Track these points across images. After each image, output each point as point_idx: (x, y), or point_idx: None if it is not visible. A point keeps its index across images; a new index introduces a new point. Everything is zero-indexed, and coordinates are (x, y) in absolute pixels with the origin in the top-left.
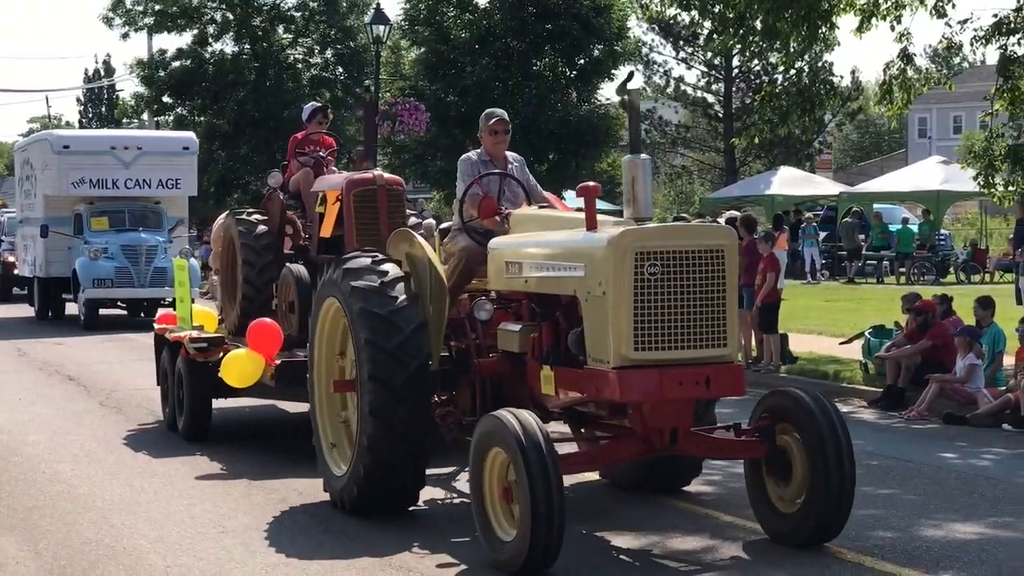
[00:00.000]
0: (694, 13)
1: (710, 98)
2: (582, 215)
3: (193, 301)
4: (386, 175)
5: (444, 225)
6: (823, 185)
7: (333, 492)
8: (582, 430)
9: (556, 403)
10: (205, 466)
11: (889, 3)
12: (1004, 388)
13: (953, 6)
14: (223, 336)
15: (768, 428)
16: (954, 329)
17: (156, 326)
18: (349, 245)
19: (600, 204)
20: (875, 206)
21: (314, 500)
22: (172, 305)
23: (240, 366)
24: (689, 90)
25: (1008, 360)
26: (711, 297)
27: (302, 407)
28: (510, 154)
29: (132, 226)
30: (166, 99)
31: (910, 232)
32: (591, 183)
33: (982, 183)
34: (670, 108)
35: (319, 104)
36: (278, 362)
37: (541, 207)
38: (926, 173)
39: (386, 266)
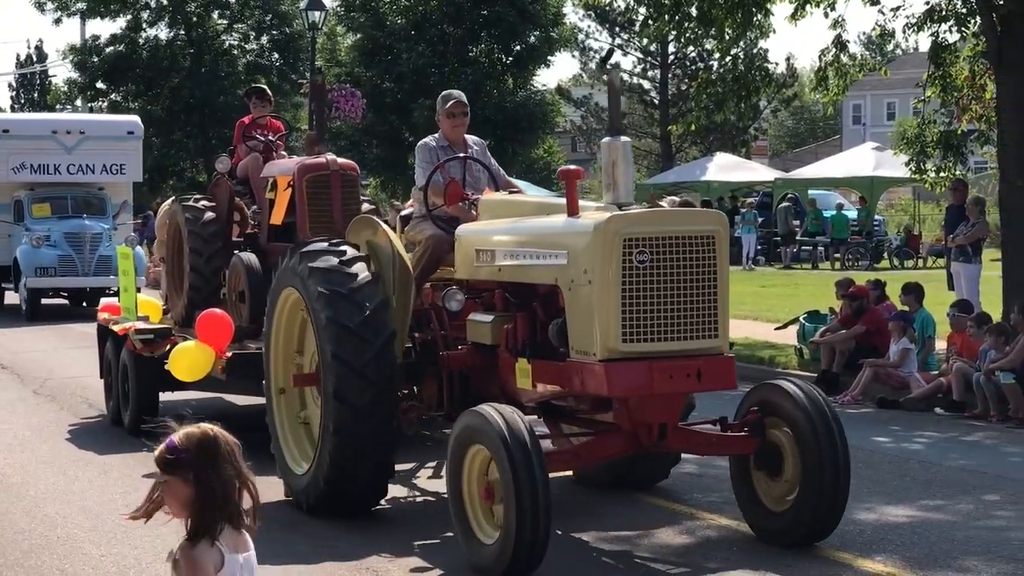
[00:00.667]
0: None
1: (646, 84)
2: (556, 200)
3: (139, 290)
4: (340, 160)
5: (404, 212)
6: (759, 171)
7: (296, 493)
8: (560, 426)
9: (532, 397)
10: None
11: None
12: (936, 372)
13: None
14: (170, 327)
15: (758, 422)
16: (887, 314)
17: (99, 316)
18: (302, 232)
19: (536, 190)
20: (810, 192)
21: (272, 499)
22: (116, 294)
23: (189, 359)
24: (625, 76)
25: (940, 344)
26: (702, 286)
27: (252, 400)
28: (470, 137)
29: (75, 213)
30: (100, 85)
31: (845, 218)
32: (572, 166)
33: (914, 169)
34: (605, 94)
35: (256, 86)
36: (229, 354)
37: (511, 192)
38: (860, 159)
39: (343, 247)
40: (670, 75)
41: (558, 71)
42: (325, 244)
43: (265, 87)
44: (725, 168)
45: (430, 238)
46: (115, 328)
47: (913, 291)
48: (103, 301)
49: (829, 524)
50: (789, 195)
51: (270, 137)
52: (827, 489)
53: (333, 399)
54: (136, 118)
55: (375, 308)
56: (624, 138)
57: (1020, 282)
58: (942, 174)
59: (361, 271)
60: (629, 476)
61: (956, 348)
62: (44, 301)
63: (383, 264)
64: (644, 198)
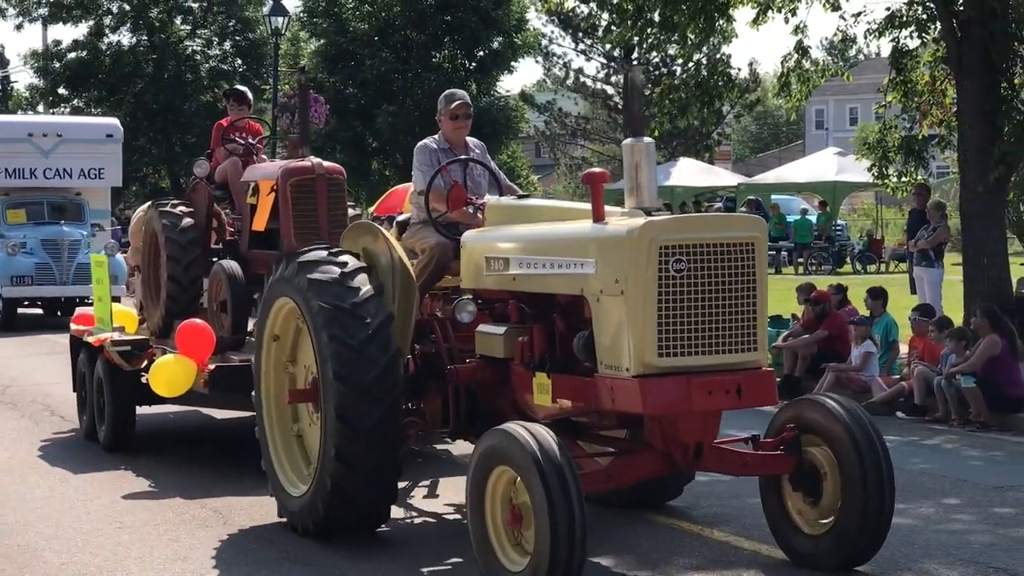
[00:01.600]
0: (592, 5)
1: (610, 90)
2: (572, 205)
3: (117, 300)
4: (325, 163)
5: (400, 219)
6: (722, 176)
7: (291, 516)
8: (578, 444)
9: (549, 414)
10: (122, 476)
11: None
12: (898, 376)
13: None
14: (148, 339)
15: (794, 440)
16: (849, 319)
17: (72, 327)
18: (286, 239)
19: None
20: (773, 197)
21: (263, 521)
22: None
23: (170, 373)
24: (589, 82)
25: (903, 348)
26: (741, 296)
27: (231, 413)
28: (471, 140)
29: (52, 219)
30: (62, 91)
31: (807, 223)
32: (597, 169)
33: (876, 174)
34: (570, 100)
35: (234, 88)
36: (211, 367)
37: (520, 196)
38: (823, 164)
39: (344, 257)
40: None
41: (522, 77)
42: (324, 253)
43: (244, 89)
44: (689, 173)
45: (435, 247)
46: (90, 339)
47: (879, 296)
48: (78, 311)
49: (872, 547)
50: (749, 199)
51: (250, 140)
52: (871, 510)
53: (336, 421)
54: (115, 120)
55: (379, 324)
56: (647, 139)
57: (981, 286)
58: (904, 179)
59: (363, 284)
60: (639, 494)
61: (918, 352)
62: (19, 311)
63: (383, 274)
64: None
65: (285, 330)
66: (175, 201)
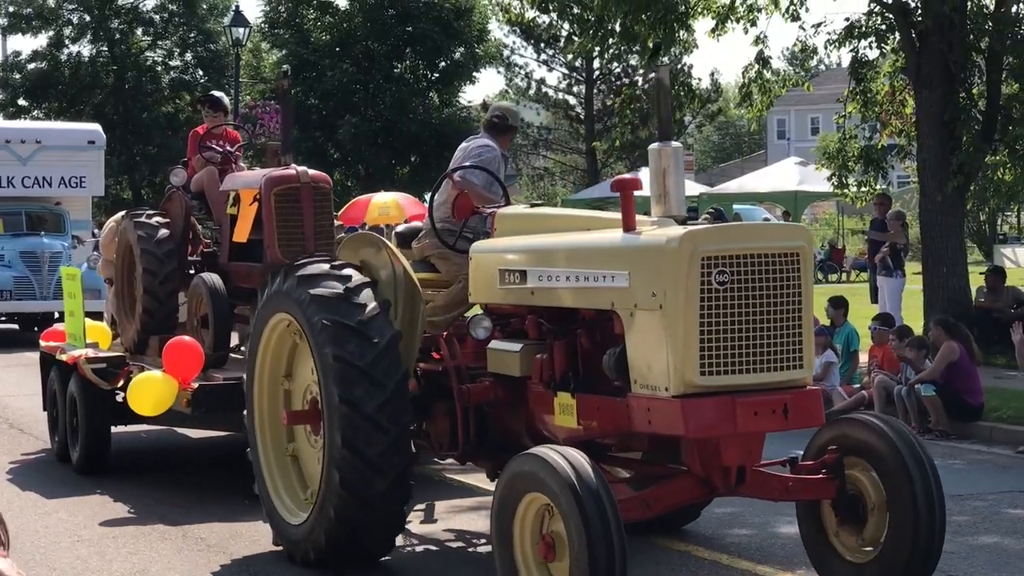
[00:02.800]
0: (554, 16)
1: (571, 100)
2: (592, 214)
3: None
4: (311, 171)
5: (400, 228)
6: (685, 186)
7: (290, 545)
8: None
9: (573, 436)
10: (87, 492)
11: (743, 6)
12: (858, 385)
13: (807, 10)
14: (124, 356)
15: (837, 463)
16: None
17: (42, 343)
18: (270, 250)
19: None
20: (735, 207)
21: (257, 551)
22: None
23: (151, 391)
24: (551, 92)
25: (863, 358)
26: (786, 309)
27: (206, 433)
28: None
29: (30, 230)
30: (21, 102)
31: None
32: (627, 176)
33: (837, 184)
34: (532, 110)
35: (209, 94)
36: (195, 386)
37: (533, 205)
38: (784, 174)
39: (347, 271)
40: (595, 91)
41: (483, 87)
42: (326, 267)
43: (220, 95)
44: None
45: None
46: (63, 357)
47: (840, 305)
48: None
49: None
50: (710, 209)
51: (228, 148)
52: (921, 538)
53: (341, 448)
54: (97, 126)
55: (387, 343)
56: (675, 143)
57: (940, 295)
58: (863, 188)
59: (369, 300)
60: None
61: (878, 361)
62: None
63: (385, 288)
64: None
65: (280, 345)
66: (150, 211)
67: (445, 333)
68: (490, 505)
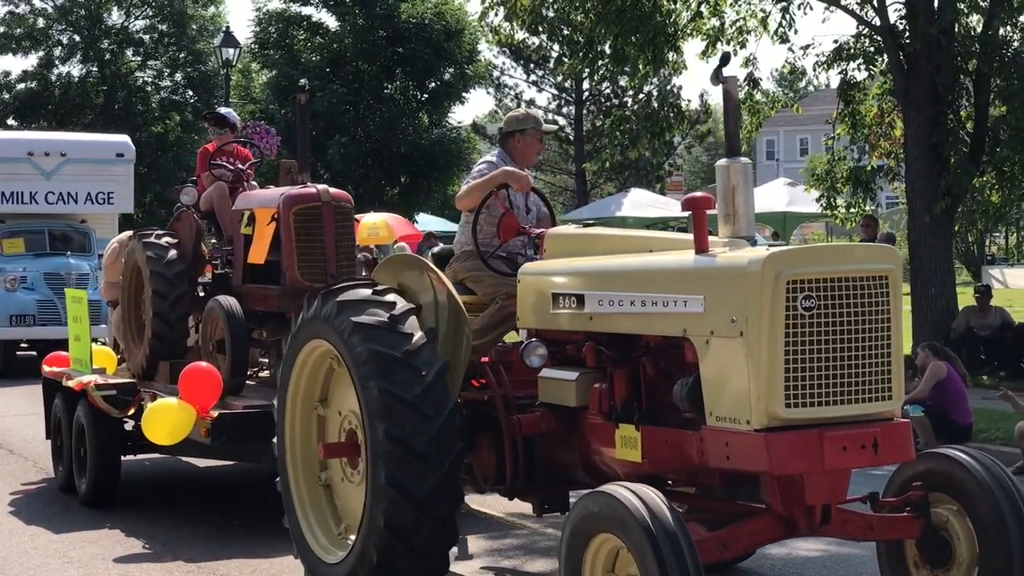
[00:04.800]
0: (544, 37)
1: (561, 121)
2: (651, 234)
3: (97, 340)
4: (332, 190)
5: (436, 250)
6: (673, 207)
7: None
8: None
9: (633, 471)
10: (94, 526)
11: (733, 28)
12: None
13: (796, 32)
14: (135, 382)
15: (922, 501)
16: None
17: (45, 369)
18: (289, 272)
19: (449, 226)
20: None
21: None
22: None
23: (170, 420)
24: (540, 113)
25: None
26: (875, 336)
27: (211, 461)
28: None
29: (54, 249)
30: (11, 122)
31: None
32: (699, 194)
33: (825, 205)
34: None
35: (215, 111)
36: (215, 414)
37: (586, 225)
38: (773, 195)
39: (391, 297)
40: (584, 112)
41: (473, 108)
42: (368, 292)
43: (227, 111)
44: (640, 204)
45: (509, 298)
46: (70, 383)
47: None
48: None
49: None
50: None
51: (239, 165)
52: None
53: (387, 487)
54: (126, 138)
55: (435, 375)
56: (744, 159)
57: (929, 316)
58: (852, 210)
59: (415, 328)
60: None
61: None
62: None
63: (428, 315)
64: None
65: (316, 371)
66: (159, 231)
67: (486, 359)
68: (529, 542)
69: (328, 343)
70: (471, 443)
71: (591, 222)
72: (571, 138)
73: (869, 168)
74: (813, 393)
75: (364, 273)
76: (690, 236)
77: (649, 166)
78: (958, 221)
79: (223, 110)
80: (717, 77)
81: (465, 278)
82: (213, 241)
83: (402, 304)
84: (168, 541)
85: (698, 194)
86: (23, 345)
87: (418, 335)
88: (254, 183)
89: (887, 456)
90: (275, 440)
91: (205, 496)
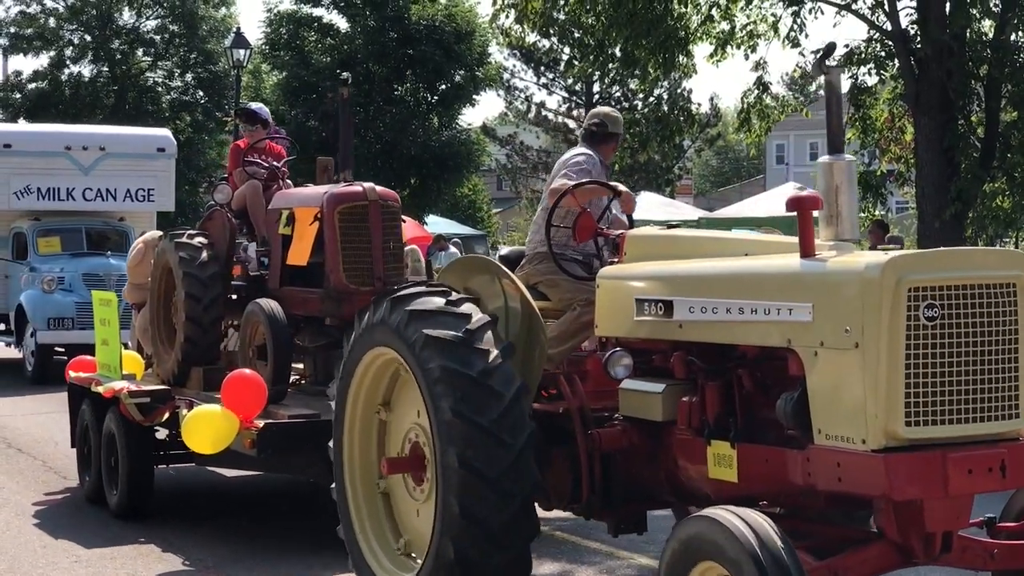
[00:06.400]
0: (554, 39)
1: (571, 124)
2: (749, 236)
3: (126, 345)
4: (378, 188)
5: (505, 250)
6: (683, 210)
7: None
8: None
9: (727, 492)
10: (127, 539)
11: (743, 32)
12: None
13: (806, 36)
14: (169, 389)
15: None
16: None
17: (71, 374)
18: (333, 275)
19: (458, 228)
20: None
21: None
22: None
23: (214, 428)
24: (550, 115)
25: None
26: (1001, 349)
27: (239, 472)
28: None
29: (91, 249)
30: (22, 122)
31: None
32: (806, 193)
33: None
34: (531, 133)
35: (245, 107)
36: (260, 424)
37: (670, 226)
38: (783, 199)
39: (466, 307)
40: None
41: (483, 110)
42: (441, 301)
43: (257, 107)
44: (650, 207)
45: (587, 304)
46: (99, 389)
47: None
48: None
49: None
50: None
51: (274, 163)
52: None
53: (460, 519)
54: (167, 132)
55: (514, 397)
56: (848, 156)
57: None
58: (862, 214)
59: (492, 345)
60: None
61: None
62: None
63: (501, 326)
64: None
65: (379, 377)
66: (192, 231)
67: (559, 368)
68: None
69: (395, 353)
70: (546, 460)
71: (675, 223)
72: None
73: (879, 173)
74: (935, 410)
75: None
76: (788, 239)
77: (659, 169)
78: (968, 227)
79: (254, 105)
80: (820, 67)
81: (539, 282)
82: (238, 241)
83: (478, 317)
84: (206, 558)
85: (804, 193)
86: (57, 349)
87: (495, 352)
88: (289, 181)
89: (1016, 480)
90: (330, 444)
91: (238, 507)
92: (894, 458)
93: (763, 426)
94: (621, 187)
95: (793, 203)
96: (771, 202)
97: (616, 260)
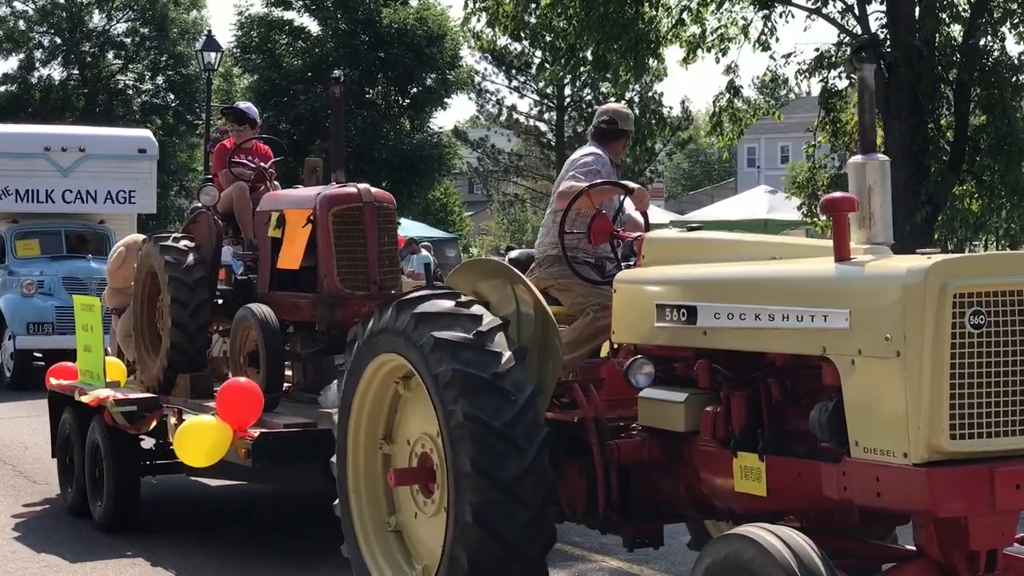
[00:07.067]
0: (526, 43)
1: (543, 127)
2: (776, 239)
3: (108, 352)
4: (373, 189)
5: (515, 253)
6: (655, 213)
7: None
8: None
9: (758, 506)
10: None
11: (714, 36)
12: None
13: (777, 40)
14: (157, 398)
15: None
16: None
17: (52, 381)
18: (327, 279)
19: (430, 231)
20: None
21: None
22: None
23: (210, 439)
24: (522, 119)
25: None
26: None
27: (224, 483)
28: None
29: (71, 252)
30: None
31: None
32: (839, 194)
33: (806, 212)
34: (503, 136)
35: (233, 106)
36: (255, 434)
37: (690, 228)
38: (754, 202)
39: (476, 309)
40: (566, 117)
41: (455, 113)
42: (450, 303)
43: (246, 107)
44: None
45: (601, 310)
46: (84, 398)
47: None
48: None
49: None
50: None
51: (261, 164)
52: None
53: (474, 526)
54: (148, 133)
55: (527, 400)
56: (881, 156)
57: None
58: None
59: (504, 347)
60: None
61: None
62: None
63: (510, 329)
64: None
65: (382, 392)
66: (177, 234)
67: (572, 376)
68: None
69: (402, 358)
70: (559, 470)
71: (696, 224)
72: (552, 144)
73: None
74: (982, 423)
75: None
76: (819, 242)
77: (630, 173)
78: (938, 230)
79: (242, 105)
80: (852, 64)
81: (550, 286)
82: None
83: (489, 319)
84: (196, 570)
85: (837, 195)
86: (36, 355)
87: (507, 354)
88: (276, 183)
89: None
90: (332, 463)
91: (223, 518)
92: (938, 473)
93: (793, 438)
94: (632, 184)
95: (828, 204)
96: (742, 205)
97: (633, 263)
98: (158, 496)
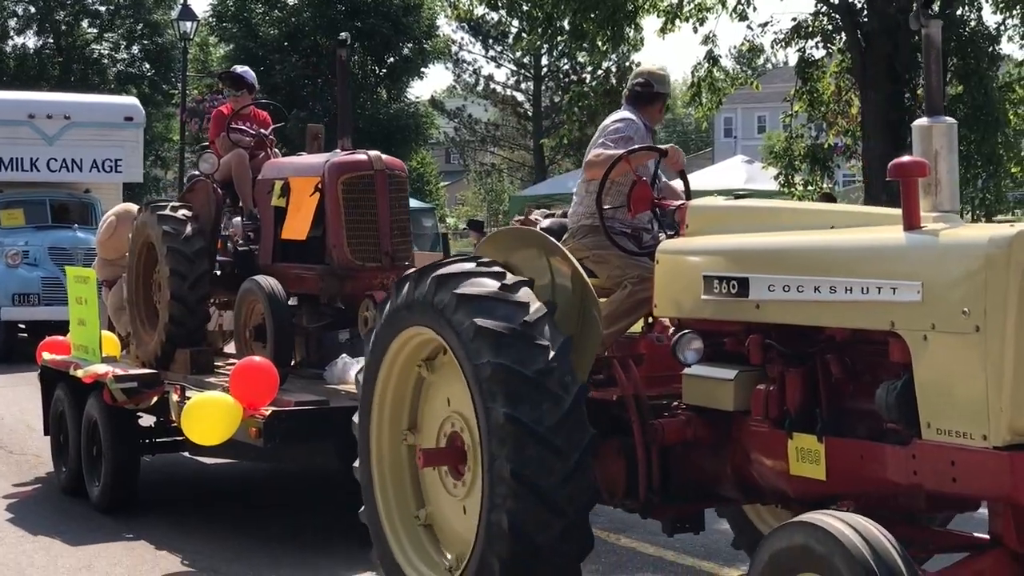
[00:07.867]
0: (503, 12)
1: (520, 96)
2: (832, 207)
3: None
4: (384, 156)
5: (546, 223)
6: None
7: None
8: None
9: (816, 490)
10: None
11: (692, 5)
12: None
13: (754, 9)
14: (158, 373)
15: None
16: None
17: (45, 356)
18: (336, 250)
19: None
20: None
21: None
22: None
23: (219, 417)
24: (499, 88)
25: None
26: None
27: (220, 461)
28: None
29: (57, 221)
30: None
31: None
32: (908, 158)
33: (783, 182)
34: (480, 106)
35: (230, 71)
36: (267, 412)
37: (737, 196)
38: (731, 172)
39: (522, 294)
40: (543, 87)
41: (432, 83)
42: (495, 285)
43: (243, 71)
44: None
45: (640, 283)
46: (78, 373)
47: None
48: (55, 337)
49: None
50: None
51: (261, 131)
52: None
53: (511, 480)
54: (135, 100)
55: (573, 401)
56: (949, 119)
57: None
58: (810, 187)
59: (550, 340)
60: None
61: None
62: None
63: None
64: (519, 210)
65: (409, 365)
66: (175, 203)
67: (608, 352)
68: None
69: (435, 334)
70: (597, 452)
71: (743, 192)
72: (529, 114)
73: (827, 146)
74: None
75: None
76: (881, 209)
77: None
78: None
79: (240, 69)
80: (918, 20)
81: (586, 257)
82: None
83: (536, 306)
84: (201, 559)
85: (906, 159)
86: (20, 326)
87: (536, 306)
88: (276, 150)
89: None
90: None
91: (224, 497)
92: (1021, 457)
93: (853, 418)
94: (665, 146)
95: (897, 169)
96: (719, 175)
97: (675, 233)
98: (155, 474)
